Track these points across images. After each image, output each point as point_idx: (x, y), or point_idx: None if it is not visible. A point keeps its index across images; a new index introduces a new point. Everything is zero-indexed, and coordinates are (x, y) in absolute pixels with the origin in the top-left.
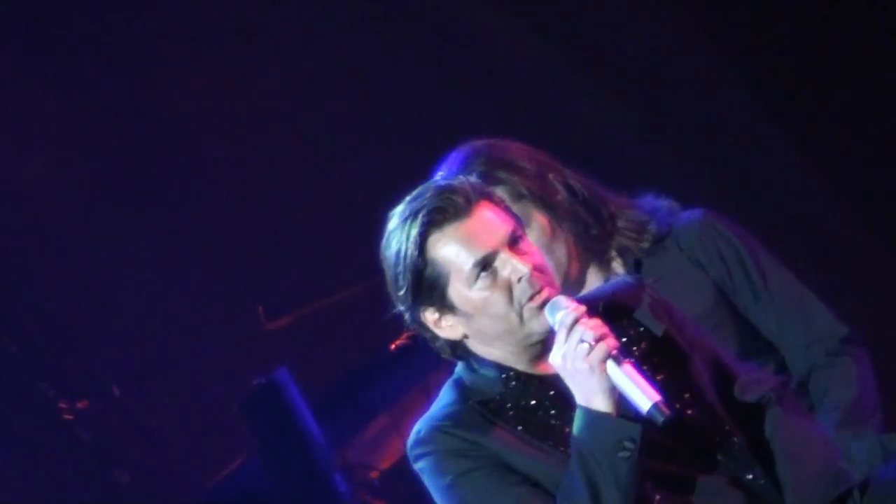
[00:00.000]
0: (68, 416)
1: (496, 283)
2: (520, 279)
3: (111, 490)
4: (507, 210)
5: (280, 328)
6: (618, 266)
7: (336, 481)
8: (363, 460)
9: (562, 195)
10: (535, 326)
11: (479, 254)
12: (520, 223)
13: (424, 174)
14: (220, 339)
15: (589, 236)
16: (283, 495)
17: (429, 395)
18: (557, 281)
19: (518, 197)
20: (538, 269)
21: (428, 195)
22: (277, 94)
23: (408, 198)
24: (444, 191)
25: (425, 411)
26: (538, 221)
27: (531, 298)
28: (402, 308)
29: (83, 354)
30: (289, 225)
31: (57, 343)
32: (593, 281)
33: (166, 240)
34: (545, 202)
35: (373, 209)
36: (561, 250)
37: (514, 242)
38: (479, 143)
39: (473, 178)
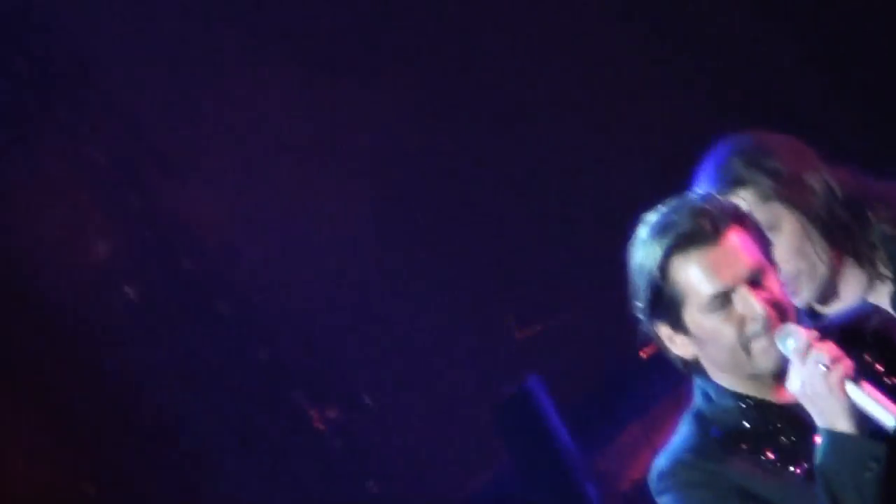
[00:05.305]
0: (318, 425)
1: (731, 317)
2: (753, 318)
3: (361, 499)
4: (758, 239)
5: (530, 336)
6: (883, 264)
7: (588, 490)
8: (614, 469)
9: (818, 196)
10: (762, 363)
11: (719, 286)
12: (767, 250)
13: (676, 184)
14: (471, 348)
15: (847, 236)
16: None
17: (680, 406)
18: (812, 285)
19: (766, 198)
20: (775, 306)
21: (680, 214)
22: (540, 101)
23: (662, 207)
24: (696, 213)
25: (677, 422)
26: (789, 224)
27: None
28: (639, 317)
29: (334, 363)
30: (541, 232)
31: (308, 351)
32: (855, 282)
33: (418, 248)
34: (797, 203)
35: (627, 216)
36: (813, 254)
37: (755, 278)
38: (737, 140)
39: (729, 201)
